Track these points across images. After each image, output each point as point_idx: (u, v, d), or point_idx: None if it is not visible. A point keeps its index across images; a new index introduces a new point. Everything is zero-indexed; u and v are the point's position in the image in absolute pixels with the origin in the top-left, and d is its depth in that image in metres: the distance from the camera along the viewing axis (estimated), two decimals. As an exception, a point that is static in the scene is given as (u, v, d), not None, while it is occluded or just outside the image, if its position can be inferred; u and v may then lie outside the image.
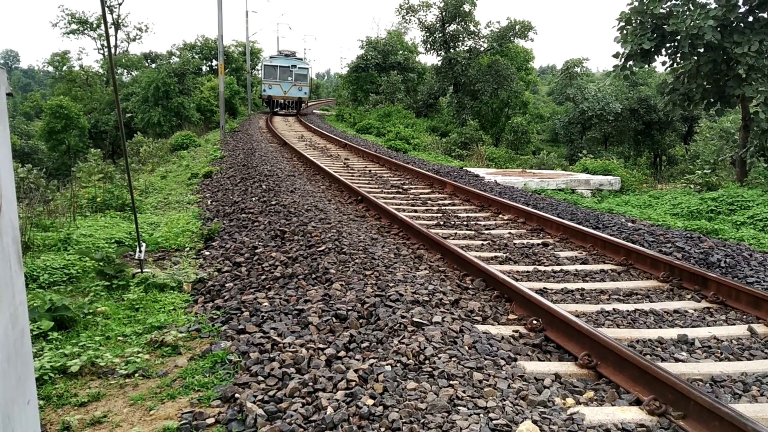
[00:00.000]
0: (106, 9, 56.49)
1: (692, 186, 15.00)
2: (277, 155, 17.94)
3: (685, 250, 7.19)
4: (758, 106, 13.35)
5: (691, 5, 14.05)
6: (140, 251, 6.36)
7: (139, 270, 6.46)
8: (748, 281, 6.17)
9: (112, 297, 5.89)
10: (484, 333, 4.49)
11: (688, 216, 10.28)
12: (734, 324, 5.19)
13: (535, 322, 4.76)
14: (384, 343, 4.20)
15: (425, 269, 6.17)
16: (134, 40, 61.86)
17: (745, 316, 5.35)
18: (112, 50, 59.58)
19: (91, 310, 5.29)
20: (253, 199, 10.38)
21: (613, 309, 5.41)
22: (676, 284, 6.12)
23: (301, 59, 46.40)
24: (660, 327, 5.10)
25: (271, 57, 46.54)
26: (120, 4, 56.27)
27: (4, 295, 2.07)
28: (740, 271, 6.45)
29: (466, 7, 40.22)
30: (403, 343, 4.12)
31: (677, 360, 4.44)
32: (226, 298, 5.71)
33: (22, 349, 2.29)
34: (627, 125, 39.80)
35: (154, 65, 56.23)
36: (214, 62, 65.11)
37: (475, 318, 4.88)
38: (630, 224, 8.71)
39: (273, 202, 9.64)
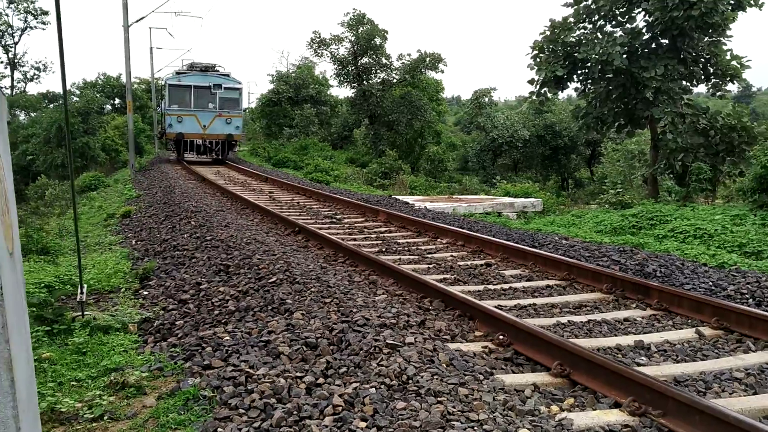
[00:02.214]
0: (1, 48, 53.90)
1: (607, 205, 15.77)
2: (198, 191, 17.53)
3: (621, 262, 7.55)
4: (666, 126, 14.33)
5: (599, 34, 15.01)
6: (82, 293, 6.05)
7: (80, 313, 6.14)
8: (686, 288, 6.53)
9: (54, 342, 5.57)
10: (456, 350, 4.54)
11: (612, 232, 10.81)
12: (682, 328, 5.48)
13: (501, 337, 4.85)
14: (362, 366, 4.16)
15: (383, 294, 6.18)
16: (32, 80, 59.19)
17: (689, 321, 5.66)
18: (8, 91, 56.88)
19: (35, 357, 4.97)
20: (185, 235, 10.09)
21: (568, 321, 5.59)
22: (620, 295, 6.40)
23: (228, 75, 30.84)
24: (616, 335, 5.31)
25: (178, 73, 30.90)
26: (15, 44, 53.85)
27: (23, 326, 1.95)
28: (676, 280, 6.83)
29: (377, 41, 41.06)
30: (382, 365, 4.10)
31: (639, 364, 4.63)
32: (179, 335, 5.52)
33: (33, 384, 2.17)
34: (535, 151, 41.58)
35: (52, 105, 54.07)
36: (117, 100, 63.27)
37: (445, 337, 4.93)
38: (564, 241, 9.06)
39: (208, 237, 9.40)
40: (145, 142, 50.27)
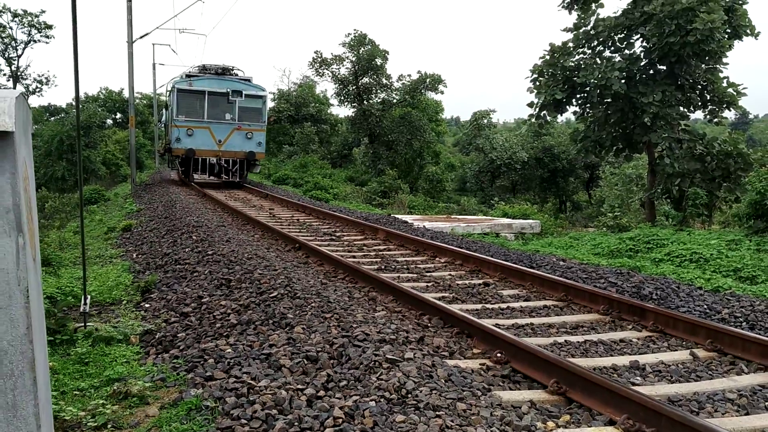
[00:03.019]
0: (3, 60, 54.29)
1: (604, 228, 15.91)
2: (199, 207, 17.63)
3: (618, 284, 7.65)
4: (663, 151, 14.54)
5: (598, 59, 15.27)
6: (85, 304, 6.12)
7: (82, 324, 6.21)
8: (681, 311, 6.62)
9: (57, 352, 5.64)
10: (454, 367, 4.62)
11: (609, 255, 10.91)
12: (677, 350, 5.57)
13: (499, 355, 4.94)
14: (362, 380, 4.24)
15: (382, 310, 6.27)
16: (34, 93, 59.42)
17: (684, 343, 5.74)
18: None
19: (39, 366, 5.04)
20: (186, 249, 10.16)
21: (565, 341, 5.68)
22: (616, 316, 6.49)
23: (249, 80, 24.86)
24: (611, 355, 5.40)
25: (188, 76, 24.53)
26: (19, 57, 54.28)
27: (42, 329, 2.04)
28: (671, 302, 6.93)
29: (378, 61, 41.45)
30: (382, 379, 4.18)
31: (634, 384, 4.70)
32: (181, 347, 5.59)
33: (48, 386, 2.25)
34: (533, 173, 41.83)
35: (53, 118, 54.44)
36: (119, 115, 63.64)
37: (443, 353, 5.02)
38: (561, 263, 9.16)
39: (209, 252, 9.48)
40: (145, 157, 50.67)
